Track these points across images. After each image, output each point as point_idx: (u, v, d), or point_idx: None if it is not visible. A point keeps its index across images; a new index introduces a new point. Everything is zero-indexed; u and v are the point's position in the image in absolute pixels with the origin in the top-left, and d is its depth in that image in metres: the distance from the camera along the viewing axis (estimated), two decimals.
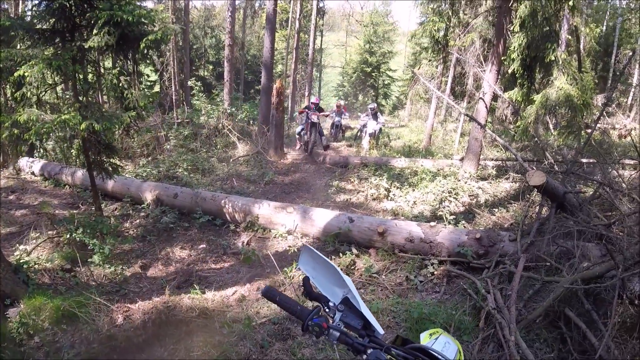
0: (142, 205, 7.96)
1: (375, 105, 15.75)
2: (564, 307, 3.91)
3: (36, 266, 5.42)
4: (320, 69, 39.79)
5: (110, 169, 7.11)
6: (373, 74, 32.41)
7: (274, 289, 1.66)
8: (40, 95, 6.28)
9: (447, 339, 1.62)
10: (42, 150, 8.26)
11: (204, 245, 6.73)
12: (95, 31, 5.78)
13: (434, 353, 1.43)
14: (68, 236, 6.14)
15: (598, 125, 11.36)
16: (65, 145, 7.25)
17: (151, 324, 4.54)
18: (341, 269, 5.36)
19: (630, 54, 20.48)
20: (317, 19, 26.54)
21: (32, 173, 11.02)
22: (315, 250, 1.70)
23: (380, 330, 1.54)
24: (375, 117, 14.94)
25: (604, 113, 12.99)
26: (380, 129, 15.66)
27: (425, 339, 1.64)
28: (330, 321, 1.55)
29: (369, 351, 1.41)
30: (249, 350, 4.01)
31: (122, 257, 6.25)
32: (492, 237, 5.48)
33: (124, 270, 5.78)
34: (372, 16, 34.51)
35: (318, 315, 1.52)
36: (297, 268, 5.52)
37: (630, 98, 21.95)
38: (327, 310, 1.61)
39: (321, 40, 35.91)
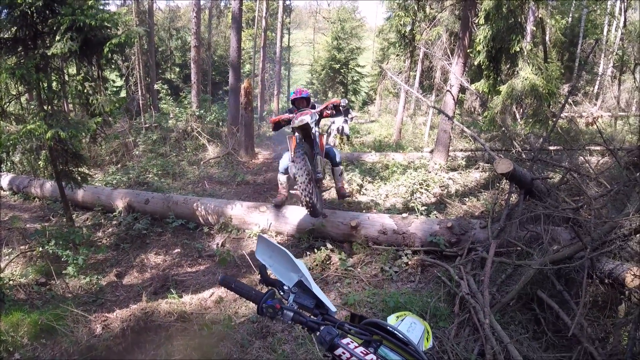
0: (114, 214, 7.84)
1: (347, 101, 15.65)
2: (537, 289, 4.03)
3: (11, 282, 5.35)
4: (288, 67, 39.81)
5: (79, 178, 7.02)
6: (342, 70, 32.44)
7: (229, 277, 1.74)
8: (5, 106, 6.17)
9: (414, 320, 1.67)
10: (9, 164, 8.08)
11: (179, 250, 6.69)
12: (57, 37, 5.71)
13: (389, 328, 1.47)
14: (41, 249, 6.06)
15: (565, 114, 11.57)
16: (33, 156, 7.12)
17: (130, 331, 4.51)
18: (317, 265, 5.44)
19: (594, 42, 20.96)
20: (284, 16, 26.60)
21: (0, 188, 10.76)
22: (269, 239, 1.76)
23: (333, 308, 1.60)
24: (346, 113, 14.89)
25: (570, 102, 13.29)
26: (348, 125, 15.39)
27: (392, 321, 1.69)
28: (285, 303, 1.62)
29: (322, 328, 1.45)
30: (229, 350, 4.02)
31: (97, 266, 6.19)
32: (464, 225, 5.57)
33: (100, 279, 5.72)
34: (339, 13, 34.51)
35: (272, 298, 1.59)
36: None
37: (596, 87, 22.49)
38: (282, 293, 1.68)
39: (289, 38, 35.96)
